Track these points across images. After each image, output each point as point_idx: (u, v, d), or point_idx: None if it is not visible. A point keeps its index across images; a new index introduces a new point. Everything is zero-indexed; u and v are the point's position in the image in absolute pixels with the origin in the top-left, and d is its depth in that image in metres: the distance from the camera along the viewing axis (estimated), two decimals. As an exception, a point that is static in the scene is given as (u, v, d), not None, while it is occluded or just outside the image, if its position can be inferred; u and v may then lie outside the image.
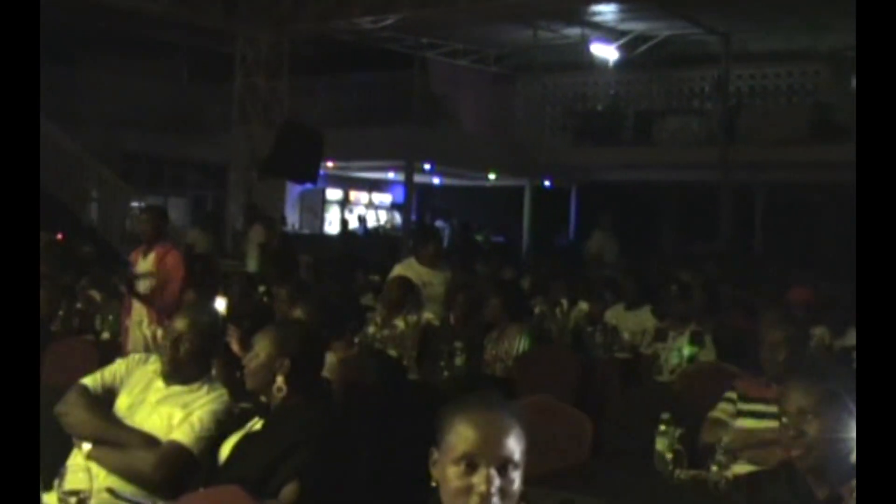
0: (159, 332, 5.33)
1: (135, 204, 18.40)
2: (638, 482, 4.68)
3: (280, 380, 4.03)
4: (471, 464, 2.52)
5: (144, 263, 8.14)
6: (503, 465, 2.53)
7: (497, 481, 2.51)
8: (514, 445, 2.56)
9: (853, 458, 3.35)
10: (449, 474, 2.53)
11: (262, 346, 4.11)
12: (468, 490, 2.51)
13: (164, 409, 4.24)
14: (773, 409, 4.75)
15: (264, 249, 14.46)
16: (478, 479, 2.50)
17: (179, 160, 23.56)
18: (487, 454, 2.52)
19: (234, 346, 5.80)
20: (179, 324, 4.40)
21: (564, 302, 10.73)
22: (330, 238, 24.61)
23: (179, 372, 4.34)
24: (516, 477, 2.55)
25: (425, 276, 9.20)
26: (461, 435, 2.54)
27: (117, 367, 4.49)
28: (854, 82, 21.53)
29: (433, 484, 2.63)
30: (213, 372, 4.74)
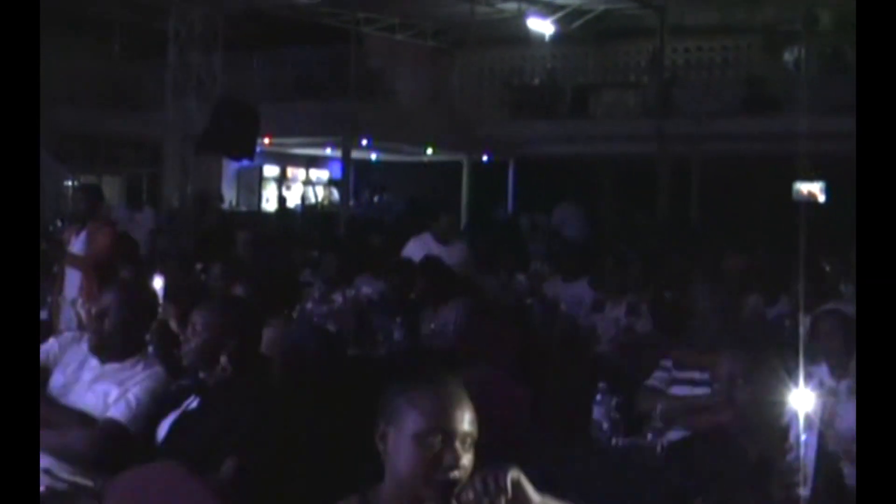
0: (93, 310, 5.26)
1: (68, 182, 18.16)
2: (577, 450, 4.72)
3: (224, 359, 4.02)
4: (436, 438, 2.52)
5: (78, 242, 8.05)
6: (464, 439, 2.55)
7: (463, 455, 2.53)
8: (474, 420, 2.59)
9: (783, 420, 3.41)
10: (412, 449, 2.53)
11: (204, 326, 4.08)
12: (434, 464, 2.51)
13: (100, 387, 4.20)
14: (706, 376, 4.84)
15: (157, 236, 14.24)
16: (445, 454, 2.51)
17: (114, 138, 23.23)
18: (454, 429, 2.54)
19: (173, 324, 5.76)
20: (105, 299, 4.37)
21: (503, 274, 10.80)
22: (267, 215, 24.46)
23: (109, 348, 4.29)
24: (473, 456, 2.57)
25: (436, 253, 8.76)
26: (426, 410, 2.55)
27: (49, 346, 4.44)
28: (786, 55, 21.83)
29: (383, 459, 2.62)
30: (151, 349, 4.72)
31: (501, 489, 2.46)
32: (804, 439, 2.37)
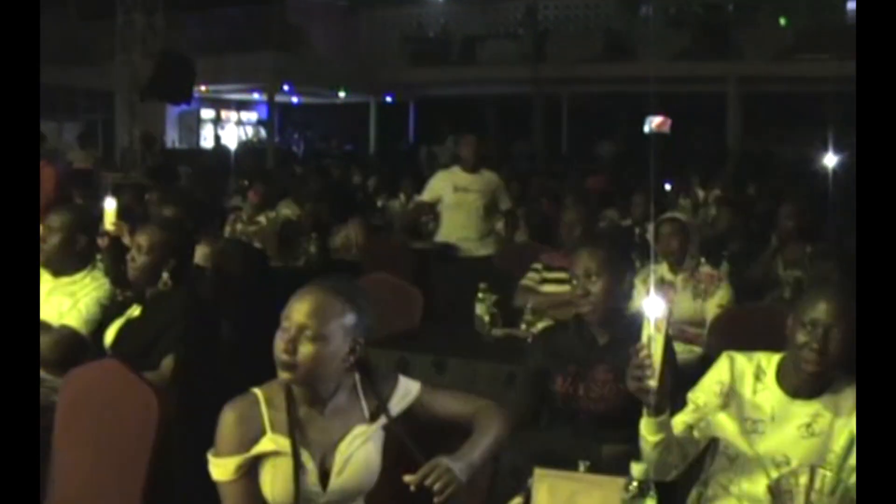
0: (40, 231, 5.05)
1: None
2: (461, 340, 4.72)
3: (166, 276, 3.92)
4: (280, 328, 2.43)
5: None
6: (299, 331, 2.40)
7: (288, 344, 2.39)
8: (316, 318, 2.42)
9: (630, 309, 3.43)
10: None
11: (149, 246, 3.96)
12: (277, 349, 2.42)
13: (55, 299, 4.08)
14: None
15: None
16: (280, 341, 2.41)
17: (71, 88, 22.57)
18: (288, 319, 2.42)
19: (126, 239, 5.59)
20: (48, 221, 4.24)
21: (403, 196, 10.75)
22: (205, 151, 24.02)
23: (56, 264, 4.17)
24: (315, 346, 2.41)
25: (461, 182, 7.44)
26: (285, 308, 2.46)
27: None
28: (642, 10, 21.90)
29: None
30: (100, 265, 4.59)
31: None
32: (653, 337, 2.37)
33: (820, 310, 2.61)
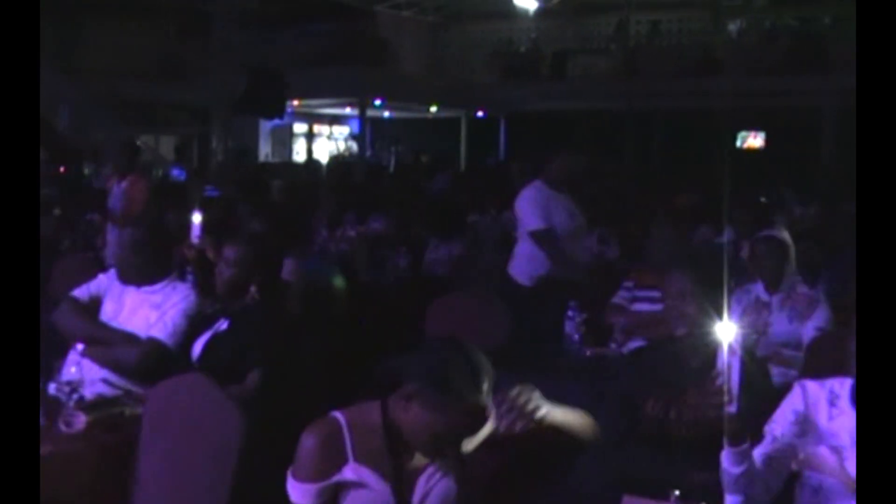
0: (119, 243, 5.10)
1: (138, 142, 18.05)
2: (552, 358, 4.64)
3: (254, 289, 3.92)
4: (445, 439, 2.31)
5: (118, 190, 7.86)
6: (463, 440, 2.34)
7: (463, 469, 2.36)
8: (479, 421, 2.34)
9: (723, 332, 3.30)
10: (429, 423, 2.30)
11: (235, 260, 3.97)
12: (437, 449, 2.34)
13: (142, 311, 4.10)
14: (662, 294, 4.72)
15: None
16: (447, 454, 2.34)
17: (169, 103, 23.09)
18: (462, 440, 2.32)
19: (210, 254, 5.64)
20: (129, 234, 4.28)
21: (493, 211, 10.71)
22: (297, 165, 24.34)
23: (136, 275, 4.18)
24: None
25: (572, 207, 6.27)
26: (453, 415, 2.28)
27: (100, 279, 4.33)
28: (730, 26, 21.60)
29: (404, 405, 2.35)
30: (189, 276, 4.63)
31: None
32: (728, 363, 2.28)
33: None
